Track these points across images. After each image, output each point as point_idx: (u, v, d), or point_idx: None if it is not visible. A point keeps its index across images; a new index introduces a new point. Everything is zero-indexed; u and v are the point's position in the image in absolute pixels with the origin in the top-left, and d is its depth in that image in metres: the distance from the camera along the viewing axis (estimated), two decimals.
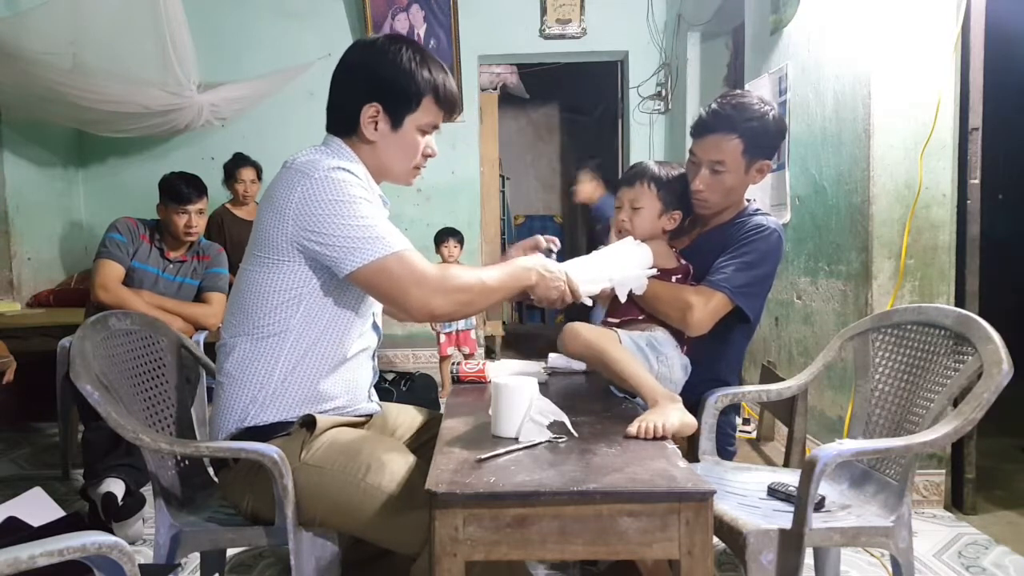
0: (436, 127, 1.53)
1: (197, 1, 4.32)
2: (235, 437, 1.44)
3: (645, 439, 1.36)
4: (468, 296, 1.42)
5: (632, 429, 1.37)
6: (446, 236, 4.19)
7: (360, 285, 1.40)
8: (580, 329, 1.66)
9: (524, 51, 5.11)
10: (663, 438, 1.37)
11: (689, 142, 1.91)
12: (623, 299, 1.66)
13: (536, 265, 1.51)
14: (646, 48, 5.02)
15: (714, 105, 1.81)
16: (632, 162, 4.51)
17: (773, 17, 3.30)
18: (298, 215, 1.36)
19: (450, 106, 1.52)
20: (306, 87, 4.57)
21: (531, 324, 7.89)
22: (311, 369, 1.45)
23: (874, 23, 2.52)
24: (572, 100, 8.12)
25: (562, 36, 4.99)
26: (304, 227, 1.36)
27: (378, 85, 1.45)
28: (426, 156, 1.54)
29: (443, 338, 4.19)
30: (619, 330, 1.72)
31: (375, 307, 1.61)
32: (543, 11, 4.97)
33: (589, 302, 1.62)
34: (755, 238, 1.78)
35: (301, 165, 1.40)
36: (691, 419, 1.46)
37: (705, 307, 1.70)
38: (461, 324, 4.17)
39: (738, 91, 1.86)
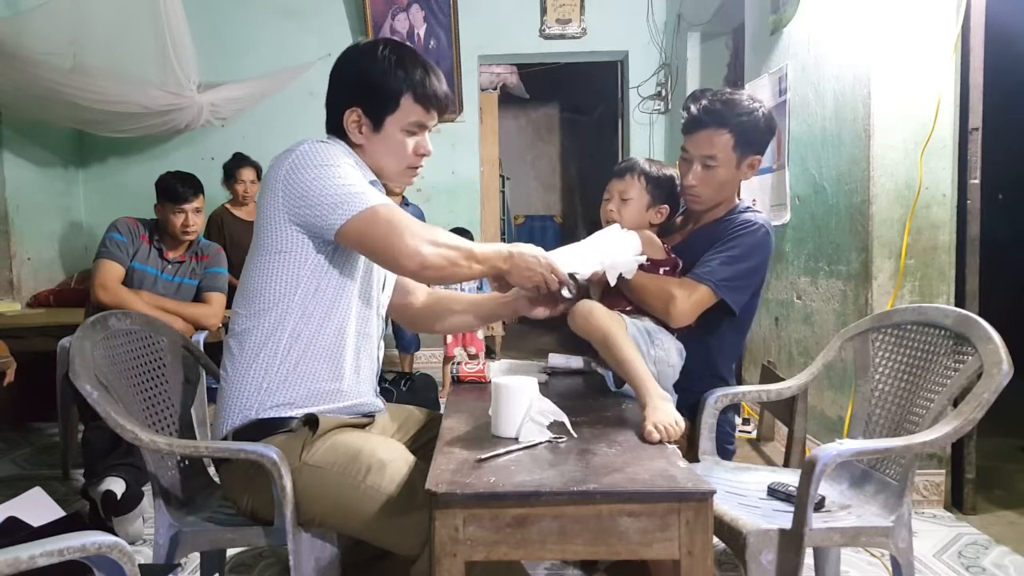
0: (424, 127, 1.52)
1: (197, 1, 4.32)
2: (240, 430, 1.43)
3: (651, 442, 1.36)
4: (456, 255, 1.42)
5: (655, 436, 1.36)
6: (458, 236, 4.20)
7: (352, 240, 1.40)
8: (594, 307, 1.66)
9: (524, 51, 5.11)
10: (675, 441, 1.38)
11: None
12: (612, 283, 1.68)
13: (517, 252, 1.49)
14: (646, 48, 5.02)
15: (705, 101, 1.83)
16: None
17: (773, 17, 3.30)
18: (287, 185, 1.39)
19: (434, 103, 1.49)
20: (306, 87, 4.57)
21: (531, 324, 7.89)
22: (315, 352, 1.44)
23: (874, 23, 2.52)
24: (572, 100, 8.12)
25: (562, 36, 4.99)
26: (292, 195, 1.38)
27: (357, 88, 1.48)
28: (420, 155, 1.53)
29: (450, 338, 4.19)
30: (624, 315, 1.73)
31: (381, 297, 1.62)
32: (543, 11, 4.97)
33: (566, 294, 1.61)
34: (742, 233, 1.80)
35: (290, 147, 1.43)
36: (682, 419, 1.46)
37: (688, 299, 1.72)
38: None
39: (727, 89, 1.88)
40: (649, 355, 1.69)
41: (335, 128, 1.52)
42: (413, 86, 1.46)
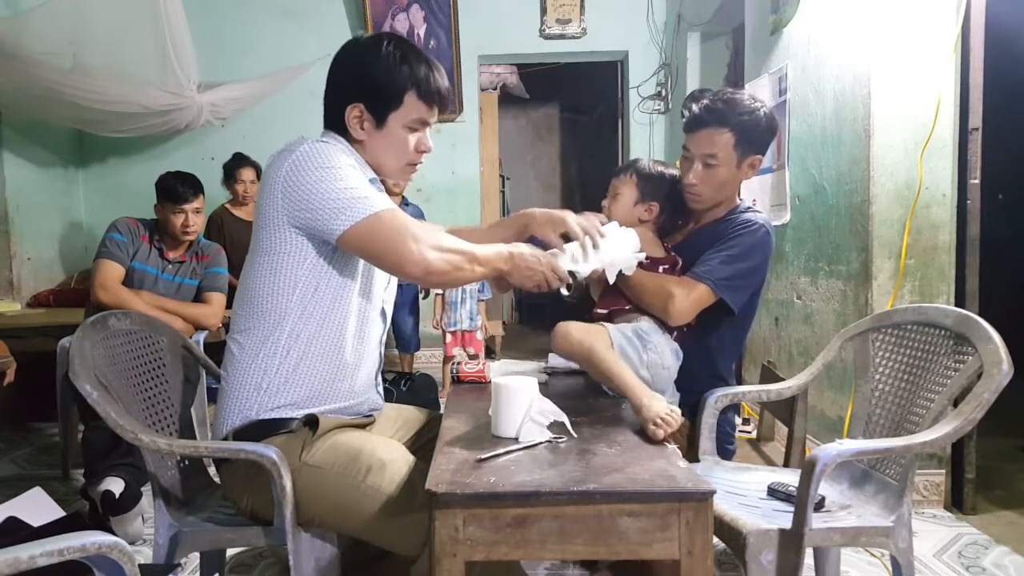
0: (426, 123, 1.51)
1: (197, 1, 4.32)
2: (241, 431, 1.43)
3: (656, 442, 1.36)
4: (459, 259, 1.42)
5: (659, 434, 1.37)
6: None
7: (354, 246, 1.39)
8: (571, 328, 1.67)
9: (524, 51, 5.11)
10: (672, 437, 1.38)
11: None
12: (612, 281, 1.69)
13: (518, 252, 1.50)
14: (646, 48, 5.02)
15: (706, 100, 1.84)
16: None
17: (773, 17, 3.30)
18: (286, 187, 1.37)
19: (437, 100, 1.49)
20: (306, 87, 4.57)
21: (531, 324, 7.89)
22: (315, 353, 1.44)
23: (874, 23, 2.52)
24: (572, 100, 8.13)
25: (562, 36, 4.99)
26: (292, 197, 1.37)
27: (360, 84, 1.46)
28: (420, 152, 1.53)
29: (449, 338, 4.19)
30: (607, 324, 1.73)
31: (385, 294, 1.62)
32: (543, 11, 4.97)
33: (566, 293, 1.62)
34: (742, 233, 1.81)
35: (288, 145, 1.42)
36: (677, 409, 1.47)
37: (687, 298, 1.72)
38: (466, 324, 4.16)
39: (729, 88, 1.89)
40: (642, 360, 1.69)
41: (334, 123, 1.51)
42: (417, 83, 1.46)
